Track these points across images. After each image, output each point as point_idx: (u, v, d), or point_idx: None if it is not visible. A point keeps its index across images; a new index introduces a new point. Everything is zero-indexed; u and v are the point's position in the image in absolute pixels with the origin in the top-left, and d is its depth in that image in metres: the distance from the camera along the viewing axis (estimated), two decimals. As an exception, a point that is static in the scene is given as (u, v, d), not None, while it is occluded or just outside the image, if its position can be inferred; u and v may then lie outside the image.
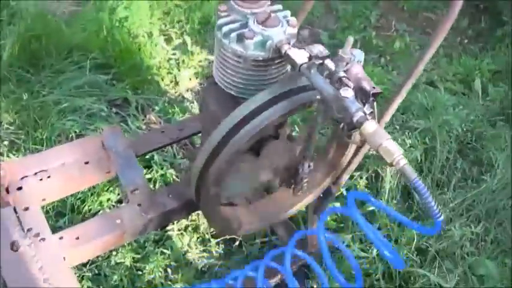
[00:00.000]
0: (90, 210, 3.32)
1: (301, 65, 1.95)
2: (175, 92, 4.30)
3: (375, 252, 3.28)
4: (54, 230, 2.83)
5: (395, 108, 2.29)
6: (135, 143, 2.70)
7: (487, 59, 5.04)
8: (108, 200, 3.38)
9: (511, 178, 3.81)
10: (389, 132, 3.48)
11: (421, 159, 3.83)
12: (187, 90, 4.34)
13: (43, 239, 2.24)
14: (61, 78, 4.00)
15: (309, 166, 2.38)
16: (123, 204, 3.31)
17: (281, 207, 2.67)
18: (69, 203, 3.30)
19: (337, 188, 2.72)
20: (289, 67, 2.24)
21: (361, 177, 3.61)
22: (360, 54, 1.94)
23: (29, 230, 2.25)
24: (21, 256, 2.17)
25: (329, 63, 1.95)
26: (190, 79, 4.41)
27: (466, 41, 5.44)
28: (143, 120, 3.92)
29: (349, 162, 2.60)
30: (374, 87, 1.88)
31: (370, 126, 1.75)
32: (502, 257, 3.47)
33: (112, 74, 4.12)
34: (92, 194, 3.37)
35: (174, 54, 4.56)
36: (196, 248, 3.32)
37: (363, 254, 3.30)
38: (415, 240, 3.34)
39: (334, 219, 3.46)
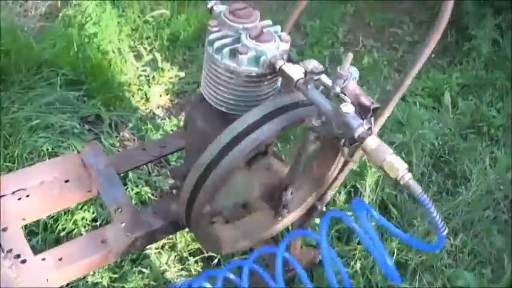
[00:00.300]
0: (64, 229, 3.23)
1: (298, 80, 1.92)
2: (146, 109, 4.24)
3: (358, 265, 3.27)
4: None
5: (383, 122, 2.26)
6: (117, 161, 2.64)
7: (455, 73, 5.05)
8: (83, 218, 3.30)
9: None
10: None
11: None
12: (158, 107, 4.28)
13: (24, 261, 2.17)
14: (31, 94, 3.90)
15: (291, 193, 2.34)
16: (99, 223, 3.26)
17: (264, 226, 2.62)
18: (42, 222, 3.20)
19: (321, 204, 2.68)
20: (279, 83, 2.21)
21: (339, 193, 3.56)
22: (355, 72, 1.92)
23: (9, 251, 2.18)
24: (3, 278, 2.10)
25: (324, 78, 1.93)
26: (160, 95, 4.35)
27: (433, 55, 5.38)
28: (117, 137, 3.85)
29: (335, 178, 2.56)
30: (373, 103, 1.85)
31: (373, 142, 1.73)
32: (479, 268, 3.47)
33: (83, 91, 4.02)
34: (65, 213, 3.27)
35: (144, 70, 4.48)
36: (174, 267, 3.26)
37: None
38: (395, 254, 3.32)
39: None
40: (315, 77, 1.90)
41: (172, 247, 3.33)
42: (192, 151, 2.38)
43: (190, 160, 2.21)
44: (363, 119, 1.79)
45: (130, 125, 3.95)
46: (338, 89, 1.87)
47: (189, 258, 3.29)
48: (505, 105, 4.75)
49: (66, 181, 2.48)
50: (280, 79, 2.20)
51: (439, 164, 4.17)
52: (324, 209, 3.26)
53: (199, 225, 2.22)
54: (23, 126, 3.65)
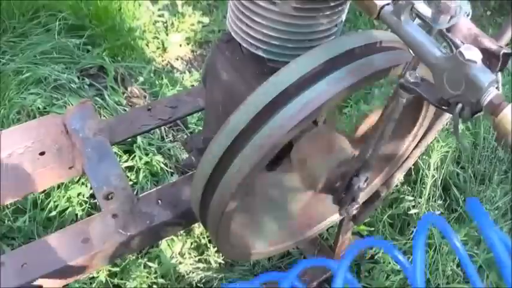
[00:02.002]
0: (56, 206, 2.70)
1: (383, 7, 1.19)
2: (163, 61, 3.71)
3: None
4: (12, 232, 2.55)
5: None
6: (111, 126, 2.01)
7: None
8: (79, 194, 2.75)
9: None
10: None
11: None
12: (177, 59, 3.77)
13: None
14: (25, 43, 3.40)
15: (366, 179, 1.65)
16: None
17: (312, 220, 1.95)
18: (31, 198, 2.69)
19: (387, 189, 2.05)
20: (344, 15, 1.51)
21: (396, 170, 2.94)
22: (466, 5, 1.19)
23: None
24: None
25: (422, 7, 1.20)
26: (180, 45, 3.84)
27: (489, 13, 4.80)
28: (124, 93, 3.30)
29: (407, 157, 1.93)
30: (501, 46, 1.13)
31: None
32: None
33: (86, 38, 3.49)
34: (58, 187, 2.74)
35: (161, 15, 3.94)
36: (190, 258, 2.70)
37: (399, 266, 2.71)
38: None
39: (365, 223, 2.86)
40: (409, 4, 1.17)
41: (189, 232, 2.77)
42: (214, 115, 1.73)
43: (211, 128, 1.50)
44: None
45: (141, 78, 3.40)
46: (443, 26, 1.15)
47: (208, 246, 2.75)
48: None
49: (42, 153, 1.88)
50: (345, 10, 1.50)
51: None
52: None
53: (219, 229, 1.51)
54: (12, 80, 3.13)
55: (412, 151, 1.90)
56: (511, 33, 1.31)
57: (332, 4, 1.39)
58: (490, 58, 1.13)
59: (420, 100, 1.62)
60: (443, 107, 1.14)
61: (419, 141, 1.87)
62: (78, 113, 1.96)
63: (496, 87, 1.08)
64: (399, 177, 2.02)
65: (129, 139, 2.81)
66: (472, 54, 1.04)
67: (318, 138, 1.60)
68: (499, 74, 1.15)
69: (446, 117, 1.75)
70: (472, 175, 3.17)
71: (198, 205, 1.50)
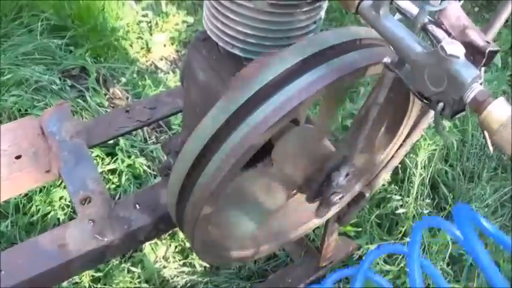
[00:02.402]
0: (38, 211, 2.68)
1: (361, 1, 1.15)
2: (147, 61, 3.70)
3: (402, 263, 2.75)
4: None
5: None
6: (88, 128, 1.96)
7: (502, 29, 4.39)
8: (61, 198, 2.73)
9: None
10: None
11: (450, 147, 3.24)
12: (162, 59, 3.75)
13: None
14: (6, 44, 3.37)
15: (347, 174, 1.60)
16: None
17: (295, 222, 1.92)
18: (13, 202, 2.68)
19: (371, 191, 2.01)
20: (323, 12, 1.47)
21: (383, 170, 2.92)
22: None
23: None
24: None
25: (404, 3, 1.16)
26: (164, 45, 3.82)
27: (476, 9, 4.79)
28: (106, 95, 3.27)
29: (392, 156, 1.91)
30: (489, 42, 1.09)
31: (503, 109, 0.97)
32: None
33: (68, 38, 3.47)
34: (40, 191, 2.73)
35: (145, 15, 3.92)
36: (174, 261, 2.69)
37: (387, 267, 2.71)
38: (450, 248, 2.75)
39: (352, 224, 2.83)
40: None
41: (173, 235, 2.74)
42: (191, 116, 1.69)
43: (189, 130, 1.46)
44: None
45: (124, 79, 3.38)
46: (426, 19, 1.11)
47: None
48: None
49: (18, 157, 1.83)
50: (324, 7, 1.46)
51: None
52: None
53: (194, 234, 1.47)
54: None
55: (397, 150, 1.86)
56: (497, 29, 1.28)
57: (309, 0, 1.35)
58: (475, 53, 1.09)
59: (406, 97, 1.59)
60: (425, 101, 1.10)
61: (404, 140, 1.83)
62: (55, 115, 1.92)
63: (480, 84, 1.04)
64: (385, 176, 1.99)
65: (111, 141, 2.81)
66: (454, 49, 1.00)
67: (299, 137, 1.56)
68: (482, 69, 1.11)
69: (431, 115, 1.72)
70: (460, 173, 3.16)
71: (174, 210, 1.46)
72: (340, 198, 1.69)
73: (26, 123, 1.94)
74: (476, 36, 1.08)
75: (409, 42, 1.09)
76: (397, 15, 1.17)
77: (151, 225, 1.73)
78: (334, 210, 1.95)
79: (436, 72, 1.03)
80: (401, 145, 1.85)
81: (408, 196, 2.91)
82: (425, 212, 2.88)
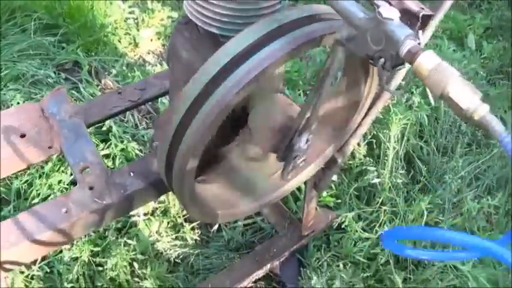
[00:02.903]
0: (38, 194, 2.83)
1: None
2: (135, 55, 3.88)
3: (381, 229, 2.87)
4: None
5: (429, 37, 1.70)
6: (85, 109, 2.15)
7: (477, 14, 4.64)
8: (60, 182, 2.88)
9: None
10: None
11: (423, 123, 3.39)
12: (149, 53, 3.93)
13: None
14: (2, 43, 3.55)
15: (307, 141, 1.81)
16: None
17: (273, 185, 2.11)
18: (15, 188, 2.84)
19: (342, 156, 2.19)
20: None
21: (359, 144, 3.09)
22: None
23: None
24: None
25: (351, -23, 1.38)
26: (151, 40, 4.00)
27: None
28: (98, 86, 3.44)
29: (359, 124, 2.07)
30: (422, 8, 1.30)
31: (429, 60, 1.18)
32: (518, 231, 3.01)
33: (60, 35, 3.67)
34: (40, 176, 2.89)
35: (131, 12, 4.10)
36: (167, 236, 2.86)
37: (366, 234, 2.84)
38: (425, 215, 2.88)
39: (331, 194, 3.02)
40: None
41: (165, 212, 2.92)
42: (176, 91, 1.87)
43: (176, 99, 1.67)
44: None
45: (114, 71, 3.55)
46: (372, -8, 1.32)
47: (184, 225, 2.89)
48: (536, 47, 4.30)
49: (23, 136, 2.01)
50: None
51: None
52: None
53: (183, 189, 1.67)
54: None
55: (363, 119, 2.04)
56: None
57: (274, -17, 1.56)
58: (411, 18, 1.30)
59: (363, 69, 1.79)
60: (370, 61, 1.31)
61: (369, 109, 2.00)
62: (54, 99, 2.10)
63: (418, 43, 1.25)
64: (354, 143, 2.15)
65: (105, 128, 2.98)
66: (389, 12, 1.22)
67: (270, 106, 1.77)
68: (420, 32, 1.31)
69: (395, 85, 1.90)
70: (435, 148, 3.30)
71: (163, 168, 1.66)
72: (302, 161, 1.89)
73: (27, 107, 2.13)
74: (411, 3, 1.29)
75: (353, 11, 1.30)
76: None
77: (144, 189, 1.93)
78: (309, 170, 2.15)
79: (376, 33, 1.25)
80: (367, 114, 2.02)
81: (384, 169, 3.04)
82: (399, 181, 3.03)
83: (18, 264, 1.85)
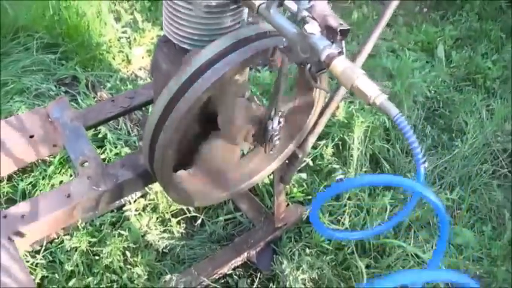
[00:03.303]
0: None
1: (260, 5, 1.77)
2: (128, 71, 4.16)
3: (346, 222, 3.16)
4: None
5: (362, 61, 2.10)
6: (84, 114, 2.52)
7: (448, 25, 5.00)
8: (61, 182, 3.19)
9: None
10: (351, 96, 3.39)
11: (388, 127, 3.71)
12: (140, 69, 4.21)
13: (-17, 220, 2.03)
14: (7, 60, 3.84)
15: (279, 122, 2.19)
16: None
17: (242, 176, 2.49)
18: (20, 189, 3.13)
19: (303, 152, 2.53)
20: (245, 15, 2.06)
21: (326, 146, 3.43)
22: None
23: (-33, 212, 2.04)
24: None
25: (289, 3, 1.77)
26: (143, 57, 4.27)
27: (425, 9, 5.35)
28: (94, 98, 3.75)
29: (315, 124, 2.42)
30: (341, 24, 1.69)
31: (341, 63, 1.57)
32: (479, 225, 3.37)
33: (60, 53, 3.97)
34: (43, 178, 3.19)
35: (124, 32, 4.40)
36: (156, 229, 3.15)
37: (333, 226, 3.15)
38: (388, 210, 3.19)
39: (302, 191, 3.32)
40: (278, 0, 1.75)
41: (154, 209, 3.22)
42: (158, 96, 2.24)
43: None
44: (332, 43, 1.63)
45: (109, 85, 3.85)
46: (305, 13, 1.70)
47: (171, 219, 3.19)
48: (500, 57, 4.66)
49: (31, 136, 2.37)
50: (245, 11, 2.06)
51: (433, 117, 4.08)
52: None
53: (163, 172, 2.06)
54: None
55: (318, 119, 2.39)
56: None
57: (231, 7, 1.96)
58: (332, 32, 1.68)
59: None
60: (301, 66, 1.70)
61: (324, 110, 2.36)
62: (57, 106, 2.46)
63: (340, 52, 1.63)
64: (312, 140, 2.48)
65: (100, 135, 3.30)
66: (312, 28, 1.62)
67: (236, 104, 2.16)
68: (343, 42, 1.70)
69: (344, 91, 2.28)
70: (399, 150, 3.62)
71: (147, 157, 2.04)
72: (278, 139, 2.26)
73: (34, 112, 2.49)
74: (332, 20, 1.67)
75: (288, 27, 1.71)
76: (288, 13, 1.78)
77: (133, 179, 2.29)
78: (273, 165, 2.52)
79: (303, 44, 1.64)
80: (322, 113, 2.37)
81: (350, 168, 3.36)
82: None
83: (32, 238, 2.19)
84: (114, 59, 4.15)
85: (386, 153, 3.62)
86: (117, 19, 4.48)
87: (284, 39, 1.76)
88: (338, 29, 1.64)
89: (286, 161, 2.58)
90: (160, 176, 2.08)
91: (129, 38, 4.34)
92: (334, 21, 1.66)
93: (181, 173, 2.27)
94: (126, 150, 3.38)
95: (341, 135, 3.49)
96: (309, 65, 1.67)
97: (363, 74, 1.55)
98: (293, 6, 1.75)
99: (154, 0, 4.68)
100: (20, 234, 2.09)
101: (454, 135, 3.92)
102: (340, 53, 1.62)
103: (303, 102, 2.35)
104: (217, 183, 2.40)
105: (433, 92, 4.13)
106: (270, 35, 1.89)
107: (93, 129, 3.27)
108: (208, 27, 1.99)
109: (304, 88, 2.29)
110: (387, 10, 1.92)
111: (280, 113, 2.16)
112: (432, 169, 3.57)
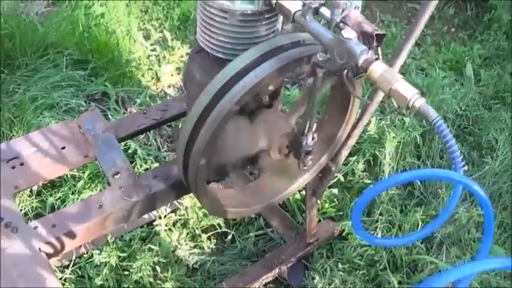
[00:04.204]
0: None
1: (295, 12, 1.76)
2: (157, 88, 4.16)
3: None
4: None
5: (404, 58, 2.07)
6: (116, 126, 2.50)
7: (476, 44, 5.00)
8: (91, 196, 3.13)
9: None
10: (381, 113, 3.38)
11: (419, 143, 3.70)
12: (169, 86, 4.20)
13: (15, 229, 2.04)
14: (37, 76, 3.87)
15: (313, 138, 2.16)
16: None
17: (274, 189, 2.47)
18: (49, 204, 3.15)
19: (335, 165, 2.53)
20: (279, 24, 2.05)
21: (358, 162, 3.41)
22: (356, 0, 1.75)
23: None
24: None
25: (325, 11, 1.77)
26: (172, 75, 4.27)
27: (453, 29, 5.36)
28: (124, 113, 3.76)
29: (348, 136, 2.42)
30: (376, 29, 1.68)
31: (378, 68, 1.56)
32: (510, 242, 3.34)
33: (90, 69, 3.98)
34: (72, 193, 3.20)
35: (153, 50, 4.41)
36: (186, 244, 3.12)
37: (364, 242, 3.12)
38: (419, 225, 3.18)
39: (333, 206, 3.30)
40: (313, 5, 1.75)
41: (184, 224, 3.20)
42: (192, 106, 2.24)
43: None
44: (368, 49, 1.62)
45: (139, 101, 3.86)
46: (339, 19, 1.70)
47: (201, 235, 3.17)
48: (529, 74, 4.62)
49: (63, 148, 2.37)
50: (280, 19, 2.05)
51: (463, 135, 4.06)
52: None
53: (197, 181, 2.05)
54: (28, 107, 3.58)
55: (351, 131, 2.39)
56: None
57: (266, 16, 1.95)
58: (368, 37, 1.68)
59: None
60: (337, 73, 1.69)
61: (357, 123, 2.35)
62: (89, 118, 2.46)
63: (376, 58, 1.62)
64: (345, 153, 2.48)
65: (130, 151, 3.31)
66: (348, 34, 1.60)
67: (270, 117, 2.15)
68: (379, 49, 1.69)
69: (376, 104, 2.27)
70: (430, 167, 3.59)
71: (181, 168, 2.03)
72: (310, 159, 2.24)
73: (66, 124, 2.48)
74: (367, 26, 1.67)
75: (325, 34, 1.69)
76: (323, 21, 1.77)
77: (165, 189, 2.28)
78: (305, 178, 2.50)
79: (340, 49, 1.63)
80: (354, 126, 2.37)
81: None
82: (396, 195, 3.33)
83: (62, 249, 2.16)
84: (143, 76, 4.15)
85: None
86: (147, 37, 4.49)
87: (320, 46, 1.75)
88: (374, 34, 1.63)
89: (319, 174, 2.57)
90: (194, 185, 2.07)
91: (158, 55, 4.35)
92: (369, 27, 1.66)
93: (214, 184, 2.26)
94: (156, 165, 3.36)
95: (372, 151, 3.46)
96: (345, 71, 1.66)
97: (401, 78, 1.54)
98: (327, 13, 1.75)
99: (183, 19, 4.70)
100: (51, 245, 2.08)
101: (484, 152, 3.91)
102: (377, 58, 1.61)
103: (336, 116, 2.33)
104: (251, 195, 2.39)
105: (462, 109, 4.11)
106: (305, 43, 1.88)
107: (123, 144, 3.27)
108: (243, 35, 1.98)
109: (339, 108, 2.28)
110: (426, 10, 1.89)
111: (313, 129, 2.14)
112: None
